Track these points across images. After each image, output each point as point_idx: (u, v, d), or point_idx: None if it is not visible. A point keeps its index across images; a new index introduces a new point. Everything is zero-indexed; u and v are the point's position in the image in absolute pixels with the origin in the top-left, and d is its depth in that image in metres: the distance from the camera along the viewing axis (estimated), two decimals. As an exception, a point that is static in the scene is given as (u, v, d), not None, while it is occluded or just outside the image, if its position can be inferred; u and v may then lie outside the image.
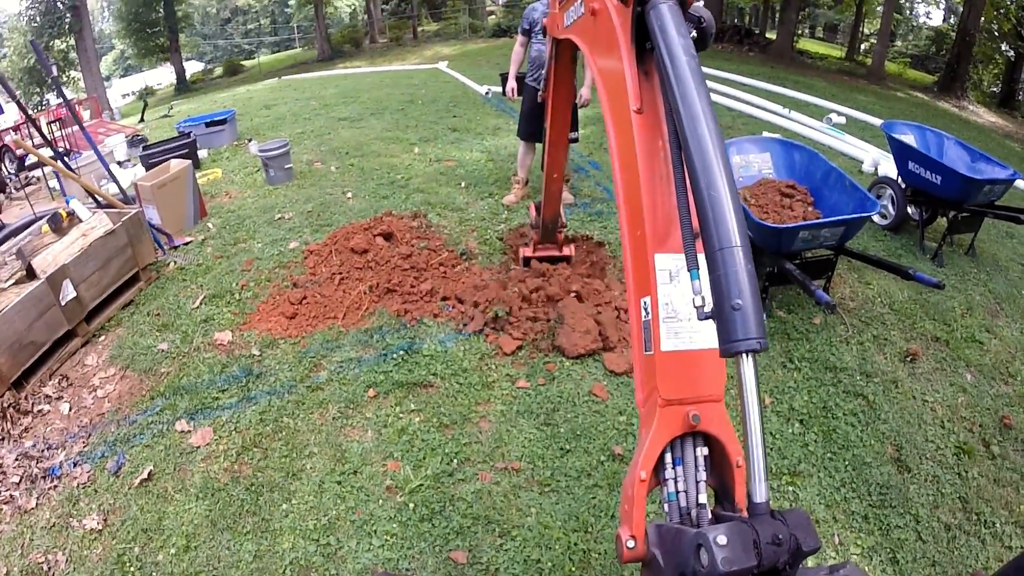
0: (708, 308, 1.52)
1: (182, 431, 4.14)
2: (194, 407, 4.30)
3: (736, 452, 1.70)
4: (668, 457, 1.70)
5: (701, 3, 1.94)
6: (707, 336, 1.68)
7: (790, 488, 3.56)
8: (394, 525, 3.38)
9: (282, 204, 7.20)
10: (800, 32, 26.73)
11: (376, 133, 10.23)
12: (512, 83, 6.37)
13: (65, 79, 30.48)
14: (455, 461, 3.72)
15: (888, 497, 3.59)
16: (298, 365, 4.51)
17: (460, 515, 3.41)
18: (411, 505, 3.47)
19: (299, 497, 3.59)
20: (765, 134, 8.23)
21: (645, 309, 1.80)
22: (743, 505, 1.65)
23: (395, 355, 4.50)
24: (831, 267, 4.87)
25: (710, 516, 1.65)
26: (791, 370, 4.36)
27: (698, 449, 1.72)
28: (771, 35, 24.85)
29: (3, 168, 12.99)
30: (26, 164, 13.62)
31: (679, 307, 1.75)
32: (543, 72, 5.42)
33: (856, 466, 3.72)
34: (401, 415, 4.04)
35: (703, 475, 1.71)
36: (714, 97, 11.30)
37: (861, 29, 29.26)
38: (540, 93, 4.46)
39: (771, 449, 3.75)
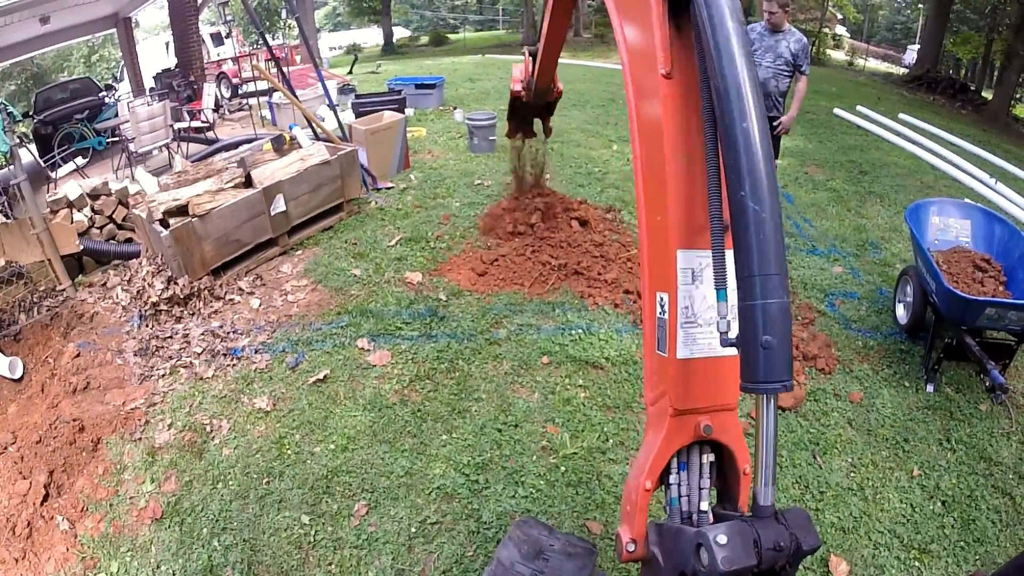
0: (733, 335, 1.48)
1: (362, 348, 4.71)
2: (377, 330, 4.88)
3: (744, 460, 1.73)
4: (673, 462, 1.74)
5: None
6: None
7: (916, 564, 3.54)
8: (542, 482, 3.71)
9: (482, 171, 7.85)
10: (1019, 96, 24.81)
11: (577, 124, 10.75)
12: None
13: (292, 22, 33.46)
14: (610, 441, 4.00)
15: None
16: (481, 318, 5.00)
17: (604, 490, 3.68)
18: (562, 468, 3.79)
19: (459, 433, 4.02)
20: (968, 201, 7.93)
21: (661, 306, 1.73)
22: (746, 511, 1.72)
23: (573, 332, 4.86)
24: (1011, 355, 4.71)
25: (711, 520, 1.72)
26: (946, 449, 4.30)
27: (704, 456, 1.76)
28: (987, 94, 23.26)
29: (219, 92, 14.55)
30: (239, 92, 15.19)
31: (699, 310, 1.68)
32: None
33: (985, 563, 3.63)
34: (569, 387, 4.38)
35: (707, 482, 1.76)
36: (919, 152, 10.92)
37: None
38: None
39: (907, 520, 3.74)
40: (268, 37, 29.88)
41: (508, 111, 5.60)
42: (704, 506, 1.74)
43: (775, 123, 6.04)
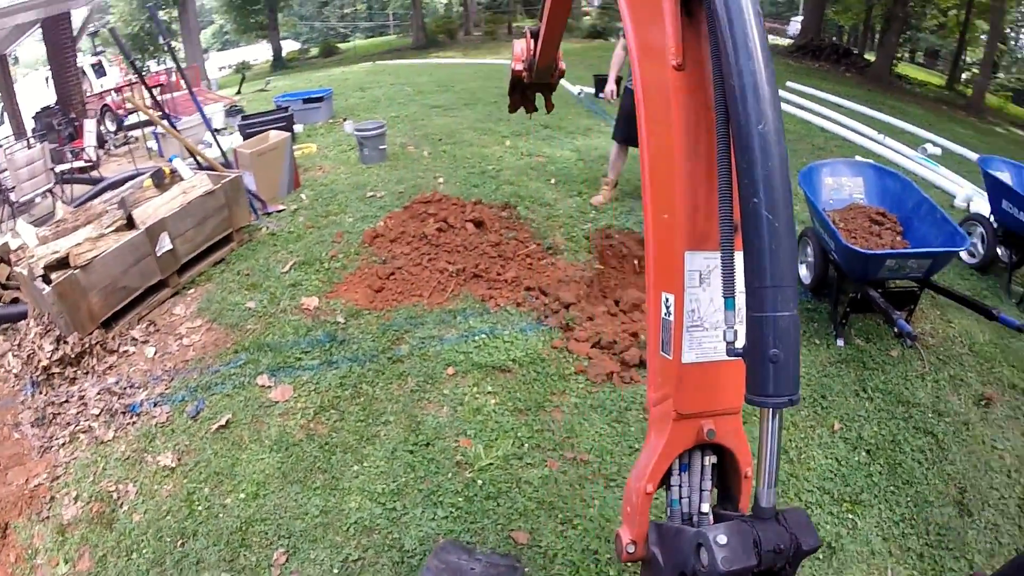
0: (740, 345, 1.41)
1: (263, 386, 4.45)
2: (276, 364, 4.61)
3: (747, 463, 1.69)
4: (675, 464, 1.69)
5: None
6: None
7: (849, 516, 3.58)
8: (460, 499, 3.56)
9: (374, 183, 7.56)
10: (900, 56, 25.93)
11: (469, 123, 10.58)
12: (611, 85, 6.55)
13: (165, 49, 32.24)
14: (526, 446, 3.88)
15: (946, 539, 3.57)
16: (381, 337, 4.78)
17: (525, 498, 3.57)
18: (479, 482, 3.65)
19: (371, 461, 3.83)
20: (858, 158, 8.13)
21: (667, 307, 1.66)
22: (746, 512, 1.67)
23: (476, 337, 4.71)
24: (915, 300, 4.84)
25: (711, 521, 1.68)
26: (863, 399, 4.36)
27: (706, 458, 1.72)
28: (870, 57, 24.28)
29: (103, 126, 13.86)
30: (125, 124, 14.51)
31: (706, 314, 1.61)
32: None
33: (917, 503, 3.71)
34: (477, 395, 4.24)
35: (708, 484, 1.71)
36: (808, 116, 11.28)
37: (963, 57, 28.26)
38: None
39: (835, 475, 3.78)
40: (153, 62, 28.79)
41: (508, 87, 5.38)
42: (705, 508, 1.69)
43: None
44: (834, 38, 30.46)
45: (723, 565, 1.27)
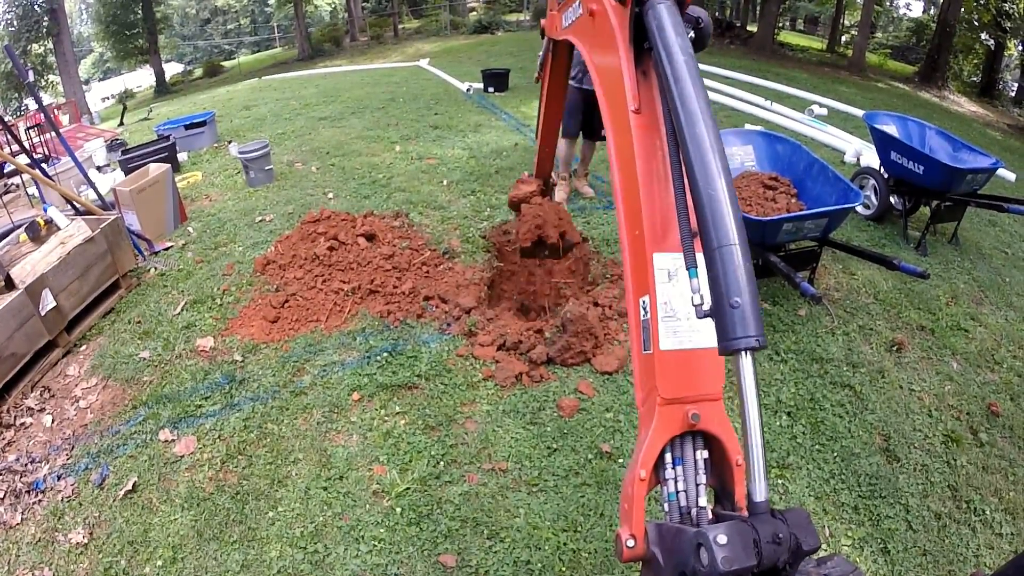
0: (707, 306, 1.53)
1: (166, 440, 4.08)
2: (177, 415, 4.24)
3: (736, 451, 1.70)
4: (668, 456, 1.70)
5: (698, 5, 1.98)
6: (706, 335, 1.67)
7: (779, 481, 3.56)
8: (382, 530, 3.35)
9: (263, 206, 7.12)
10: (781, 25, 26.84)
11: (357, 132, 10.16)
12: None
13: (44, 83, 30.15)
14: (441, 463, 3.70)
15: (878, 487, 3.60)
16: (281, 370, 4.46)
17: (448, 518, 3.39)
18: (398, 509, 3.44)
19: (285, 504, 3.56)
20: (747, 126, 8.23)
21: (644, 308, 1.80)
22: (743, 504, 1.64)
23: (378, 357, 4.46)
24: (815, 258, 4.87)
25: (710, 516, 1.65)
26: (777, 362, 4.36)
27: (698, 452, 1.72)
28: (752, 28, 24.94)
29: (-21, 176, 12.85)
30: (4, 171, 13.49)
31: (678, 306, 1.76)
32: (579, 68, 5.62)
33: (845, 457, 3.72)
34: (386, 418, 4.01)
35: (703, 478, 1.70)
36: None
37: (842, 21, 29.47)
38: (537, 74, 4.49)
39: None
40: (31, 100, 27.01)
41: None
42: (703, 501, 1.66)
43: None
44: (716, 13, 31.04)
45: (723, 565, 1.26)
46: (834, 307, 4.89)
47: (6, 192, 11.99)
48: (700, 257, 1.57)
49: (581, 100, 6.10)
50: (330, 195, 7.23)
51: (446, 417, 3.98)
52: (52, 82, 30.16)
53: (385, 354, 4.48)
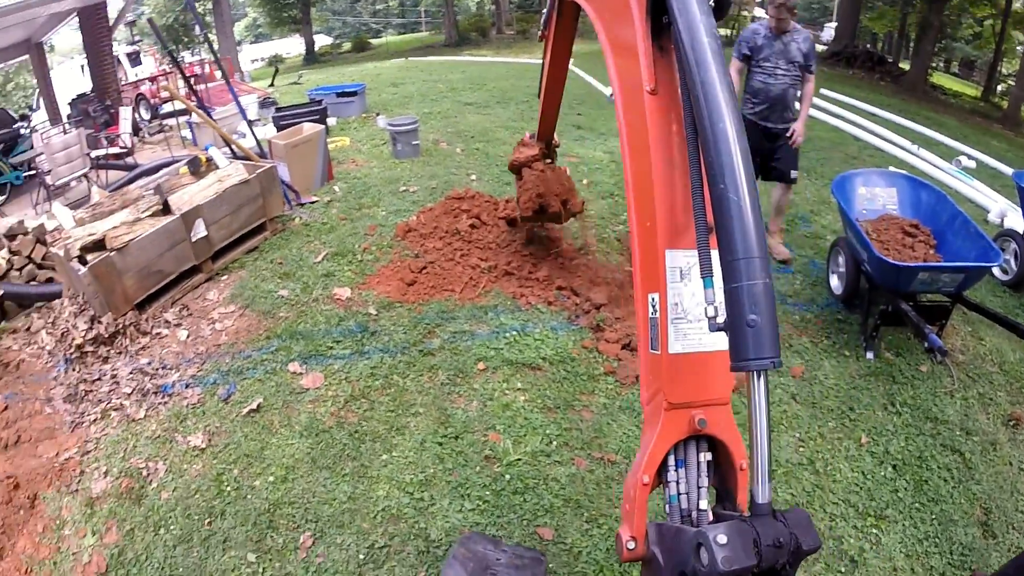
0: (721, 319, 1.51)
1: (294, 372, 4.52)
2: (308, 352, 4.68)
3: (740, 455, 1.73)
4: (671, 459, 1.73)
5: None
6: (716, 338, 1.61)
7: (873, 531, 3.57)
8: (487, 493, 3.61)
9: (407, 177, 7.63)
10: (935, 65, 25.59)
11: (501, 121, 10.63)
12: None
13: (201, 40, 32.50)
14: (554, 443, 3.92)
15: (969, 559, 3.54)
16: (412, 329, 4.85)
17: (552, 495, 3.60)
18: (507, 477, 3.69)
19: (399, 451, 3.89)
20: (892, 169, 8.08)
21: (653, 306, 1.78)
22: (744, 507, 1.70)
23: (507, 334, 4.76)
24: (946, 315, 4.80)
25: (711, 518, 1.70)
26: (891, 414, 4.34)
27: (701, 454, 1.75)
28: (904, 65, 23.94)
29: (138, 114, 14.06)
30: (159, 113, 14.71)
31: (689, 307, 1.73)
32: (767, 106, 5.43)
33: (942, 521, 3.69)
34: (507, 391, 4.29)
35: (705, 480, 1.75)
36: (841, 125, 11.13)
37: (999, 68, 27.82)
38: (541, 33, 4.52)
39: (860, 489, 3.77)
40: (187, 53, 29.19)
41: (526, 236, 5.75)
42: (703, 504, 1.71)
43: (789, 134, 5.51)
44: (868, 45, 30.15)
45: (723, 565, 1.28)
46: (957, 369, 4.80)
47: (160, 132, 13.14)
48: (714, 257, 1.53)
49: (760, 137, 5.65)
50: (473, 177, 7.64)
51: (564, 402, 4.20)
52: (209, 40, 32.40)
53: (514, 333, 4.77)
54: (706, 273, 1.56)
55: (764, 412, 1.46)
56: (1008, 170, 9.87)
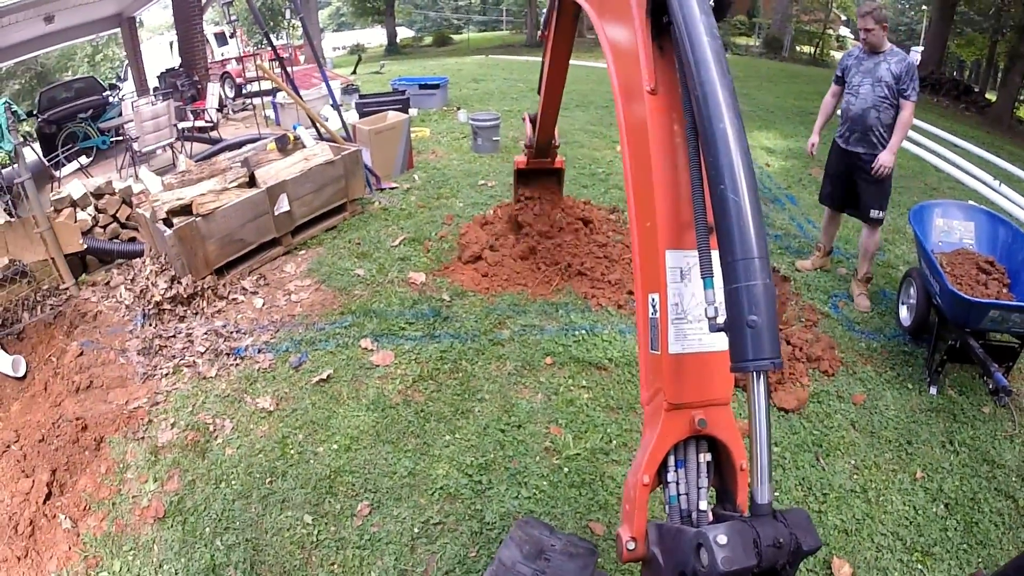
0: (721, 320, 1.53)
1: (365, 348, 4.73)
2: (381, 330, 4.90)
3: (740, 456, 1.76)
4: (671, 459, 1.77)
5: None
6: (716, 338, 1.64)
7: (919, 566, 3.54)
8: (545, 483, 3.72)
9: (486, 172, 7.85)
10: (1022, 98, 24.68)
11: (580, 125, 10.76)
12: (815, 138, 5.57)
13: (285, 25, 33.58)
14: (614, 442, 4.00)
15: None
16: (484, 319, 5.02)
17: (607, 492, 3.69)
18: (565, 470, 3.80)
19: (462, 433, 4.03)
20: (971, 202, 7.92)
21: (653, 306, 1.80)
22: (744, 508, 1.73)
23: (576, 333, 4.87)
24: (1014, 357, 4.71)
25: (710, 519, 1.73)
26: (949, 452, 4.29)
27: (701, 455, 1.79)
28: (991, 96, 23.14)
29: (223, 92, 14.60)
30: (243, 92, 15.24)
31: (689, 307, 1.75)
32: (847, 126, 5.25)
33: (988, 566, 3.63)
34: (572, 387, 4.39)
35: (705, 481, 1.78)
36: (922, 153, 10.88)
37: None
38: (541, 32, 4.56)
39: (911, 523, 3.74)
40: (272, 37, 30.11)
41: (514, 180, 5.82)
42: (703, 505, 1.75)
43: (874, 166, 5.14)
44: (955, 73, 29.36)
45: (723, 565, 1.31)
46: (1019, 414, 4.72)
47: (244, 109, 13.63)
48: (715, 257, 1.56)
49: (841, 162, 5.43)
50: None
51: (627, 404, 4.29)
52: (295, 25, 33.35)
53: (583, 332, 4.88)
54: (706, 274, 1.59)
55: (764, 413, 1.48)
56: (1092, 214, 9.57)
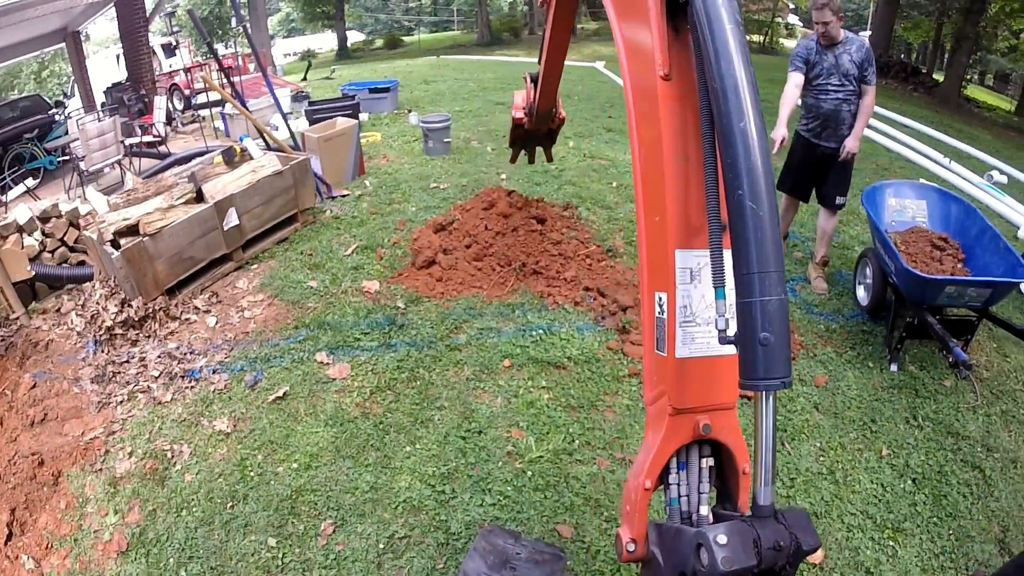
0: (732, 332, 1.47)
1: (321, 362, 4.61)
2: (336, 343, 4.77)
3: (743, 459, 1.73)
4: (673, 461, 1.73)
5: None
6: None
7: (891, 543, 3.56)
8: (509, 488, 3.65)
9: (437, 174, 7.71)
10: (969, 77, 25.16)
11: (533, 121, 10.57)
12: (783, 131, 5.24)
13: (239, 32, 32.99)
14: (576, 442, 3.95)
15: None
16: (440, 324, 4.90)
17: (572, 493, 3.63)
18: (528, 473, 3.73)
19: (423, 443, 3.94)
20: (922, 181, 8.02)
21: (660, 306, 1.72)
22: (745, 509, 1.71)
23: (534, 333, 4.80)
24: (972, 330, 4.77)
25: (711, 521, 1.70)
26: (913, 427, 4.32)
27: (704, 459, 1.75)
28: (938, 77, 23.64)
29: (171, 104, 14.29)
30: (193, 103, 14.94)
31: (697, 309, 1.68)
32: (819, 123, 5.25)
33: (959, 537, 3.67)
34: (532, 389, 4.32)
35: (706, 486, 1.75)
36: (873, 135, 11.02)
37: None
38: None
39: (879, 501, 3.76)
40: (221, 46, 29.56)
41: (510, 139, 5.52)
42: (704, 510, 1.72)
43: (841, 151, 5.23)
44: (903, 55, 29.85)
45: (723, 565, 1.29)
46: (980, 385, 4.76)
47: (192, 122, 13.35)
48: (726, 256, 1.49)
49: (812, 156, 5.45)
50: (503, 176, 7.69)
51: (588, 402, 4.24)
52: (247, 31, 32.87)
53: (540, 331, 4.81)
54: (718, 283, 1.52)
55: (771, 429, 1.43)
56: (1042, 186, 9.77)
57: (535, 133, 5.42)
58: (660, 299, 1.72)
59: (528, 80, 5.03)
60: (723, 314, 1.50)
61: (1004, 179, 10.16)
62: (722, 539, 1.32)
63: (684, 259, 1.66)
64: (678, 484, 1.74)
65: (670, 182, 1.64)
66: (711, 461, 1.76)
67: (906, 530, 3.67)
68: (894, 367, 4.68)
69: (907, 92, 20.47)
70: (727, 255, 1.48)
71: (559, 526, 3.45)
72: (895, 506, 3.78)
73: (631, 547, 1.71)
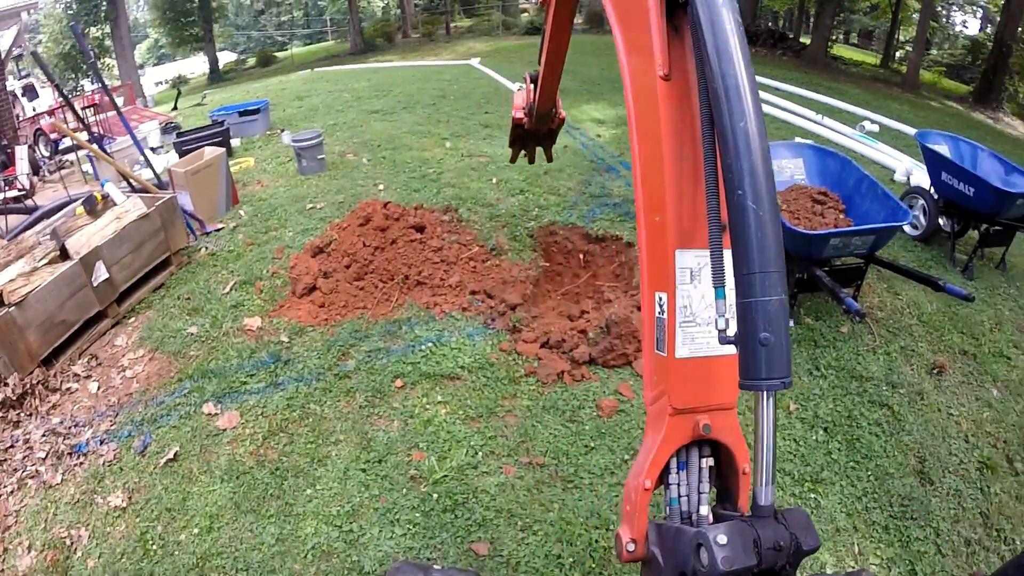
0: (732, 332, 1.43)
1: (209, 414, 4.24)
2: (222, 391, 4.40)
3: (744, 459, 1.67)
4: (673, 461, 1.68)
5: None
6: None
7: (812, 495, 3.57)
8: (417, 515, 3.44)
9: (314, 194, 7.28)
10: (834, 37, 26.34)
11: (408, 127, 10.29)
12: None
13: (100, 66, 31.00)
14: (480, 454, 3.78)
15: (909, 509, 3.58)
16: (326, 353, 4.60)
17: (483, 507, 3.46)
18: (435, 495, 3.53)
19: (323, 483, 3.67)
20: (798, 140, 8.18)
21: (660, 306, 1.69)
22: (745, 509, 1.65)
23: (423, 347, 4.57)
24: (861, 276, 4.85)
25: (711, 521, 1.64)
26: (817, 377, 4.35)
27: (704, 460, 1.70)
28: (805, 40, 24.63)
29: (37, 151, 13.24)
30: (60, 148, 13.89)
31: (697, 310, 1.64)
32: None
33: (879, 476, 3.71)
34: (428, 406, 4.11)
35: (706, 486, 1.69)
36: None
37: (896, 36, 28.85)
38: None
39: (794, 455, 3.77)
40: (88, 80, 27.80)
41: (510, 139, 5.21)
42: (704, 510, 1.66)
43: None
44: (769, 23, 30.74)
45: (723, 565, 1.25)
46: (877, 326, 4.86)
47: (60, 168, 12.39)
48: (727, 256, 1.44)
49: None
50: (380, 187, 7.34)
51: (487, 409, 4.06)
52: (108, 65, 31.01)
53: (430, 344, 4.59)
54: (718, 283, 1.47)
55: (771, 429, 1.40)
56: (910, 131, 10.17)
57: (535, 133, 5.17)
58: (660, 299, 1.69)
59: (528, 80, 4.80)
60: (723, 314, 1.47)
61: (876, 127, 10.55)
62: (722, 539, 1.28)
63: (684, 259, 1.63)
64: (678, 484, 1.68)
65: (669, 182, 1.61)
66: (711, 461, 1.71)
67: (825, 479, 3.66)
68: (791, 322, 4.67)
69: (776, 57, 21.17)
70: (727, 255, 1.44)
71: (474, 544, 3.28)
72: (811, 458, 3.77)
73: (631, 547, 1.64)
